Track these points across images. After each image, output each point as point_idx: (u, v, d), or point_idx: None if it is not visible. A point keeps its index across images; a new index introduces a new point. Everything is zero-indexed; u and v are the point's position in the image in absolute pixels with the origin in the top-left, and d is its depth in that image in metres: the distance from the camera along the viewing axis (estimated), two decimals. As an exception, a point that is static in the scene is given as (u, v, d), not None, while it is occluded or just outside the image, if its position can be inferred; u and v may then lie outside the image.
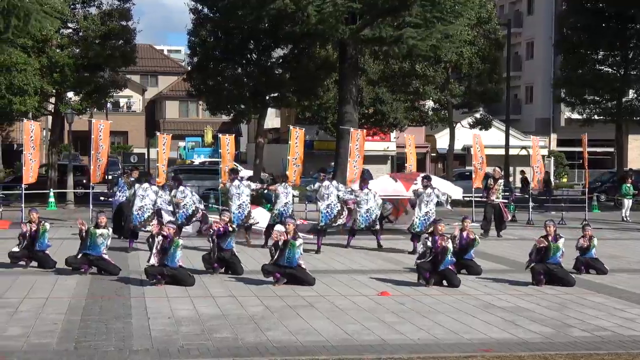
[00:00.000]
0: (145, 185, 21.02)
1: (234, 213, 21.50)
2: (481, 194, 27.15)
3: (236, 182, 22.23)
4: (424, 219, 21.09)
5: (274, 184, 23.66)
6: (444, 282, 15.92)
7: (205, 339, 11.31)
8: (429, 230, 17.17)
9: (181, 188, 22.48)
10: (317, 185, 22.27)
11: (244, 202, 22.11)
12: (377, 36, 31.52)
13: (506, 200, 27.97)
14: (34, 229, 17.72)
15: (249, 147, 65.64)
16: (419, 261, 16.15)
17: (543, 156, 42.97)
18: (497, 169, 27.12)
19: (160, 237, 15.52)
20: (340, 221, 22.02)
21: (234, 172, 23.18)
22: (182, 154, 69.54)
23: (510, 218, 28.37)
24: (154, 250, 15.43)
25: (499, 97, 49.09)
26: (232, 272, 16.95)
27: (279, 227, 18.81)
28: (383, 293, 15.07)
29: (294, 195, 23.78)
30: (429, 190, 21.41)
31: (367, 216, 22.10)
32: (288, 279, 15.74)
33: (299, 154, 27.66)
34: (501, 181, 26.66)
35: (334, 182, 22.72)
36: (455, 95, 48.42)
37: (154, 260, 15.45)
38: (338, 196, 21.90)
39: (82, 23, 36.94)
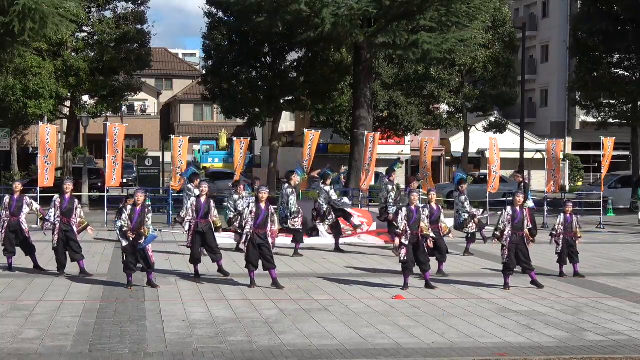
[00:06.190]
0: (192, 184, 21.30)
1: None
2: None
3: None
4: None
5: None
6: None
7: (219, 342, 11.33)
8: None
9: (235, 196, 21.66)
10: (390, 187, 21.54)
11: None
12: (392, 42, 31.55)
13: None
14: None
15: (264, 151, 65.65)
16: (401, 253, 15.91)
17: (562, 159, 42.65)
18: (518, 175, 26.31)
19: (129, 207, 15.47)
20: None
21: (289, 175, 21.88)
22: (197, 157, 69.65)
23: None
24: (124, 216, 15.34)
25: (513, 100, 48.97)
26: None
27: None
28: (397, 296, 15.06)
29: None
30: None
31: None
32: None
33: (310, 156, 27.66)
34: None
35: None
36: (469, 99, 48.34)
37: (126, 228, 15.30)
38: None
39: (97, 27, 37.15)
